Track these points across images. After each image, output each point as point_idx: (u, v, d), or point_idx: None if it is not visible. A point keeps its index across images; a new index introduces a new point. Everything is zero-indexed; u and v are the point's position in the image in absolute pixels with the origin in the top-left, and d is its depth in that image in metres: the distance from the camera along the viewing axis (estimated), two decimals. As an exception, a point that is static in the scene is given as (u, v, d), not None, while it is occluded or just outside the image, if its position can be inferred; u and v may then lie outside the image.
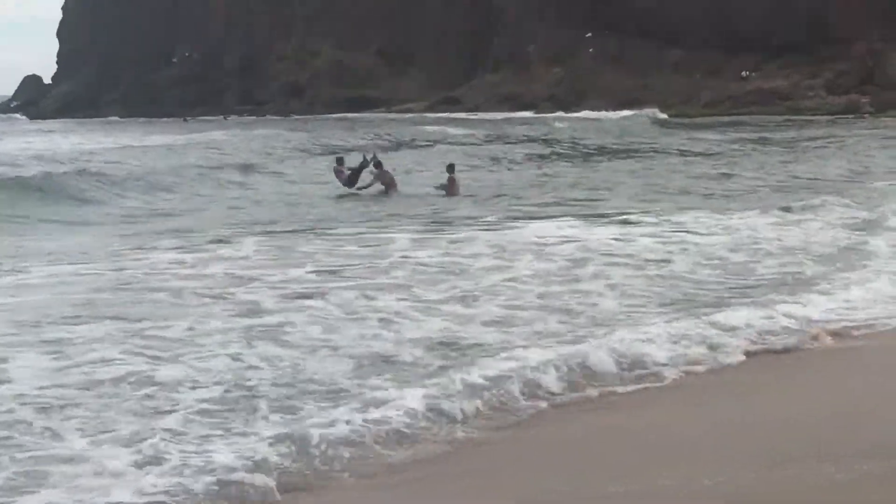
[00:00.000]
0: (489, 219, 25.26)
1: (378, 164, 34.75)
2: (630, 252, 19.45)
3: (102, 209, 31.90)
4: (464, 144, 56.10)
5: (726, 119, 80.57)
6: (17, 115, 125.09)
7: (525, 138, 59.68)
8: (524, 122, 79.90)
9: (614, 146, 54.37)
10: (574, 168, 43.23)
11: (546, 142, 57.01)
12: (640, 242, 20.62)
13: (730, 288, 16.42)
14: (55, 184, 34.57)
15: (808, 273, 17.54)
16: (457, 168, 35.69)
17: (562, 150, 52.23)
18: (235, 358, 12.14)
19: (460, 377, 11.08)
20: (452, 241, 21.24)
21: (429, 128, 71.47)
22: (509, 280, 16.88)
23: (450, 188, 33.33)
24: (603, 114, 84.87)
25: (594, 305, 15.06)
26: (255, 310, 14.71)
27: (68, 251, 21.33)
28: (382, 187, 34.11)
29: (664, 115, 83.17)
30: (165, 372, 11.53)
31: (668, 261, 18.51)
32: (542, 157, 49.19)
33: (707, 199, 30.04)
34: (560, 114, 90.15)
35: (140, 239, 23.36)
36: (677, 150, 51.43)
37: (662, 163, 44.42)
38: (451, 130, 68.31)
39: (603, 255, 19.17)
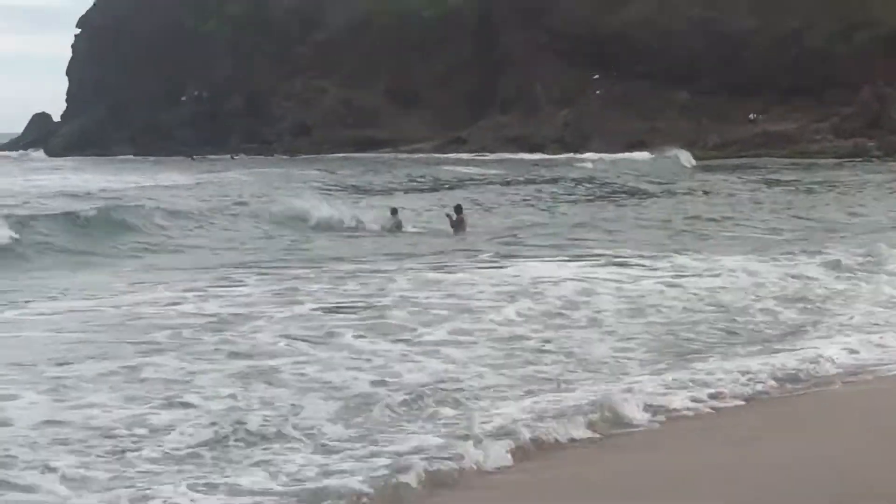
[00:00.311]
0: (491, 258, 25.28)
1: (394, 211, 36.59)
2: (629, 294, 19.44)
3: (124, 243, 31.42)
4: (479, 184, 55.87)
5: (747, 161, 79.74)
6: (32, 152, 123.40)
7: (540, 178, 59.39)
8: (543, 163, 79.56)
9: (629, 187, 53.84)
10: (583, 208, 43.11)
11: (559, 182, 56.55)
12: (641, 284, 20.61)
13: (727, 332, 16.39)
14: (95, 218, 33.79)
15: (805, 318, 17.52)
16: (466, 208, 36.70)
17: (574, 191, 51.79)
18: (232, 399, 12.06)
19: (466, 423, 11.13)
20: (453, 282, 21.22)
21: (445, 167, 71.61)
22: (507, 321, 16.87)
23: (457, 227, 34.09)
24: (627, 155, 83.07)
25: (590, 349, 15.04)
26: (253, 350, 14.69)
27: (84, 286, 21.34)
28: (389, 225, 35.49)
29: (693, 161, 77.77)
30: (163, 415, 11.45)
31: (665, 304, 18.48)
32: (553, 196, 48.92)
33: (709, 241, 29.96)
34: (572, 154, 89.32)
35: (150, 274, 23.42)
36: (687, 191, 51.32)
37: (669, 204, 44.21)
38: (467, 170, 68.46)
39: (601, 296, 19.15)
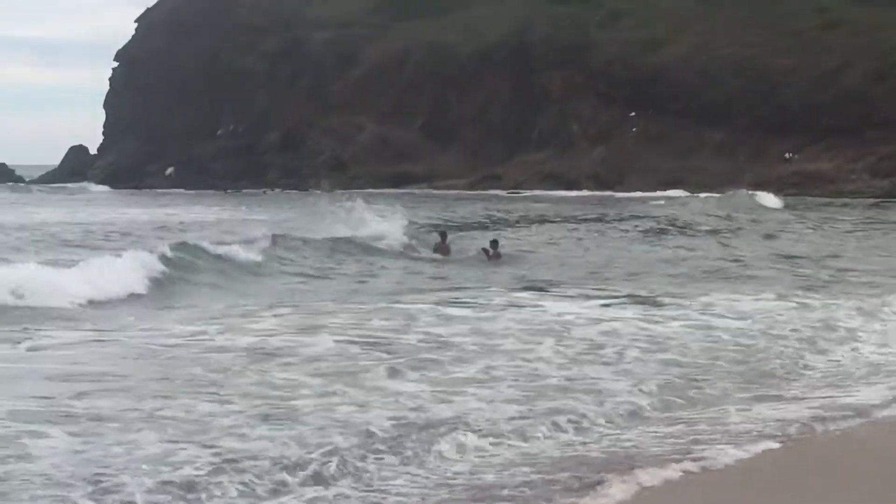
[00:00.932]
0: (517, 295, 25.14)
1: (443, 236, 39.09)
2: (654, 335, 19.30)
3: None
4: (544, 222, 55.08)
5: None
6: (93, 185, 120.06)
7: (592, 216, 58.42)
8: (607, 200, 79.05)
9: (690, 225, 52.47)
10: (622, 246, 42.41)
11: (627, 221, 55.10)
12: (670, 326, 20.46)
13: (746, 377, 16.11)
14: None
15: (828, 363, 17.27)
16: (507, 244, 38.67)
17: (640, 229, 50.29)
18: (251, 438, 11.93)
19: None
20: (478, 318, 21.23)
21: (514, 204, 71.49)
22: (528, 360, 16.77)
23: (493, 260, 35.28)
24: (690, 195, 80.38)
25: (612, 392, 14.85)
26: (274, 388, 14.59)
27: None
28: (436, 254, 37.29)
29: (778, 202, 70.81)
30: (178, 454, 11.31)
31: (686, 346, 18.30)
32: (600, 233, 48.01)
33: (734, 281, 29.46)
34: (641, 193, 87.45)
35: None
36: (728, 228, 50.61)
37: (707, 243, 43.42)
38: (529, 206, 68.31)
39: (627, 337, 19.06)
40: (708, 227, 50.92)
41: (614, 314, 21.85)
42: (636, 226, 51.54)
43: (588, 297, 24.79)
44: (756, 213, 61.32)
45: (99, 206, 79.08)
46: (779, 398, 14.67)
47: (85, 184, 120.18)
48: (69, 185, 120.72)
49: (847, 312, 22.27)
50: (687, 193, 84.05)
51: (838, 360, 17.47)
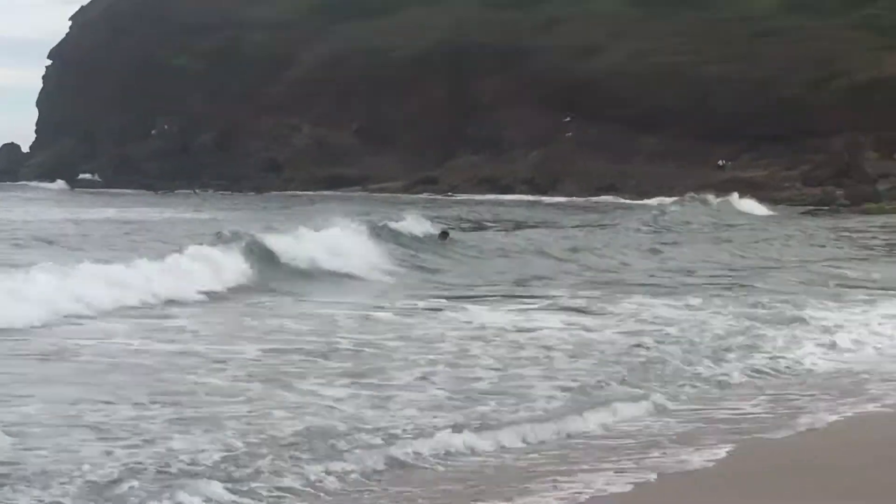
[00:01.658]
0: (447, 301, 24.90)
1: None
2: (583, 341, 19.18)
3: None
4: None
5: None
6: (45, 184, 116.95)
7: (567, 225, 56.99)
8: (581, 206, 78.69)
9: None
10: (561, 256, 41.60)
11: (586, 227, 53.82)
12: (601, 333, 20.35)
13: (663, 384, 15.98)
14: None
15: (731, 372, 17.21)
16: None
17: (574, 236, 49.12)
18: (157, 444, 11.71)
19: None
20: (403, 324, 20.96)
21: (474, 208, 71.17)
22: (459, 366, 16.63)
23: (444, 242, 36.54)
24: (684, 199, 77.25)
25: (538, 398, 14.71)
26: (188, 393, 14.37)
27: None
28: None
29: (763, 210, 69.34)
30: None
31: (606, 352, 18.18)
32: (552, 238, 46.39)
33: (669, 287, 29.28)
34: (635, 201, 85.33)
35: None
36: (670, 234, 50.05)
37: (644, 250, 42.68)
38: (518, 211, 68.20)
39: (556, 342, 18.94)
40: (666, 233, 49.72)
41: (543, 320, 21.63)
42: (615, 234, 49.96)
43: (522, 302, 24.62)
44: (728, 218, 60.64)
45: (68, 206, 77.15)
46: (696, 410, 14.62)
47: (35, 182, 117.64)
48: (31, 183, 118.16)
49: (766, 321, 22.06)
50: (622, 199, 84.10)
51: (752, 368, 17.41)
